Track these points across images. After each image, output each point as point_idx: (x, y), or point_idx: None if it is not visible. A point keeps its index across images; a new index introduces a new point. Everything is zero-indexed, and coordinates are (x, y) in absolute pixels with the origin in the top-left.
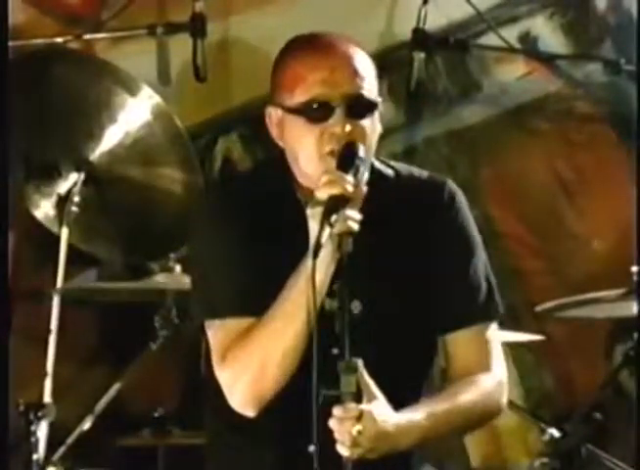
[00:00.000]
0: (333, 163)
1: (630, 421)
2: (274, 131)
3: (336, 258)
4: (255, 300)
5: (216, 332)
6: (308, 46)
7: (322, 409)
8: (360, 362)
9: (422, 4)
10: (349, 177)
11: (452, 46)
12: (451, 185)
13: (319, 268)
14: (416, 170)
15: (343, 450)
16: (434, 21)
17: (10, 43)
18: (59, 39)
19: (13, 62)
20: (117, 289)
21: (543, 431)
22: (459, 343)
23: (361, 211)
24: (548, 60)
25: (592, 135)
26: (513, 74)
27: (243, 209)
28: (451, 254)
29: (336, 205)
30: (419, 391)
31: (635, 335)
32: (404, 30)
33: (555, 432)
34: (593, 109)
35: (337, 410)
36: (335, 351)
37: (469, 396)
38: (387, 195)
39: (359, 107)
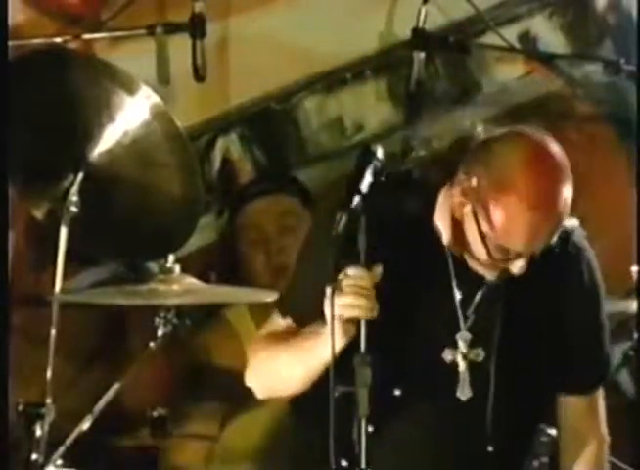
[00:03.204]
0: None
1: (630, 421)
2: (458, 198)
3: (344, 337)
4: (311, 313)
5: (269, 321)
6: (531, 182)
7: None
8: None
9: (422, 4)
10: (376, 304)
11: (452, 46)
12: (577, 235)
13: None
14: None
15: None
16: (434, 20)
17: (10, 43)
18: (58, 39)
19: (13, 62)
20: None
21: (543, 431)
22: (574, 406)
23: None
24: (548, 60)
25: (592, 135)
26: (513, 74)
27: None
28: (579, 317)
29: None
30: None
31: (635, 335)
32: (404, 30)
33: (555, 432)
34: (593, 109)
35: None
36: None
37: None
38: None
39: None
